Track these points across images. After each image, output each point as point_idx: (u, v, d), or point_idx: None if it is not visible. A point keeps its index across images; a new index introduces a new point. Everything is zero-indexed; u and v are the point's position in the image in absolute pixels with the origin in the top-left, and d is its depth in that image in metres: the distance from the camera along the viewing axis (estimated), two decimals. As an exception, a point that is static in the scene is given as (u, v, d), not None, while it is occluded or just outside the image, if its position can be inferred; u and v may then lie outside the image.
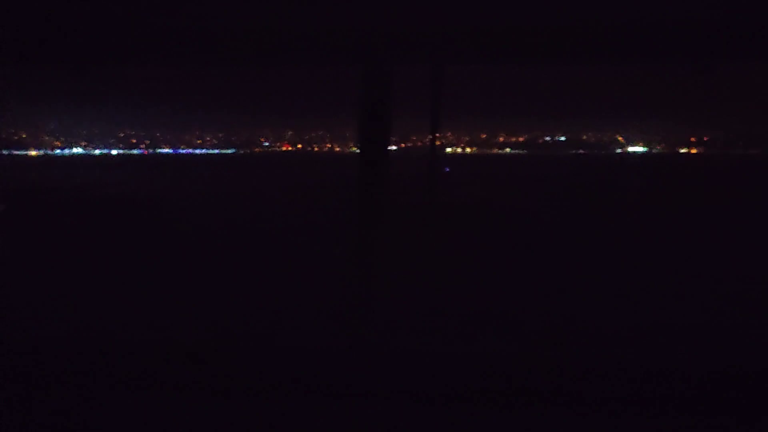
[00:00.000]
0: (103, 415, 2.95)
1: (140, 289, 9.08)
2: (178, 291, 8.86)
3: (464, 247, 12.26)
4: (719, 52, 3.04)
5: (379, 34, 3.05)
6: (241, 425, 2.93)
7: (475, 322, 7.06)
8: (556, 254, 12.70)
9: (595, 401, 2.97)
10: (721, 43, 2.97)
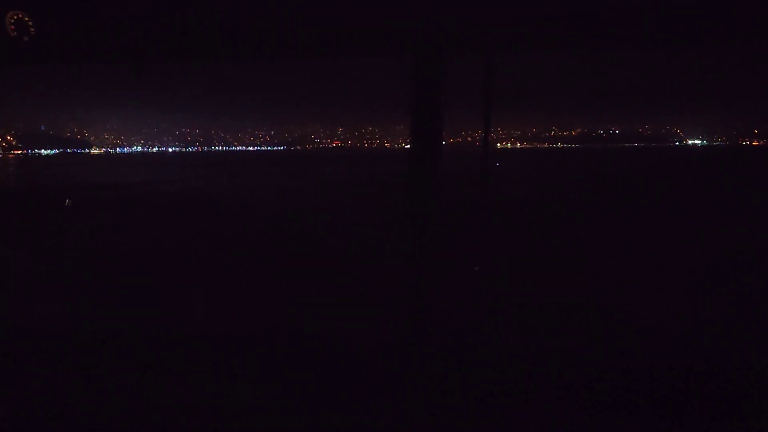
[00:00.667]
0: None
1: (207, 280, 9.36)
2: (244, 283, 9.10)
3: (517, 242, 12.10)
4: None
5: (432, 24, 3.02)
6: (300, 414, 2.96)
7: (530, 316, 6.95)
8: (618, 251, 12.39)
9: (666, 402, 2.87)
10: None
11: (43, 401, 3.13)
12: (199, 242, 14.21)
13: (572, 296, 8.29)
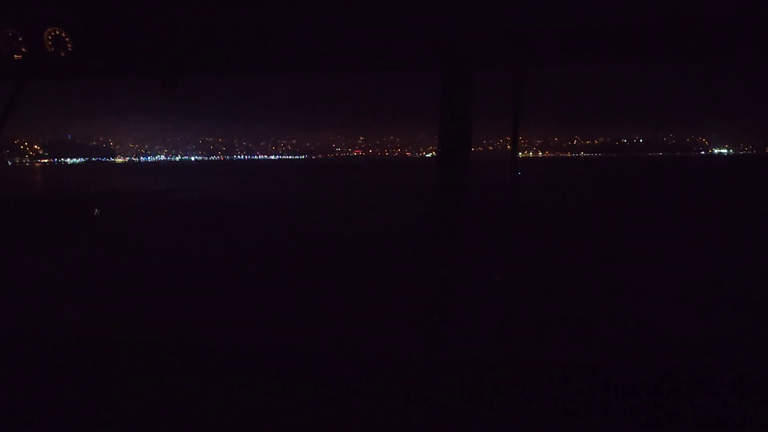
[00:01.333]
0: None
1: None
2: (266, 291, 9.17)
3: (541, 251, 12.02)
4: None
5: (461, 37, 3.03)
6: (318, 421, 2.97)
7: (559, 328, 6.90)
8: (644, 261, 12.24)
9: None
10: None
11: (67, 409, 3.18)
12: (228, 248, 14.35)
13: (596, 307, 8.21)
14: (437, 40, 3.03)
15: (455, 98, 3.31)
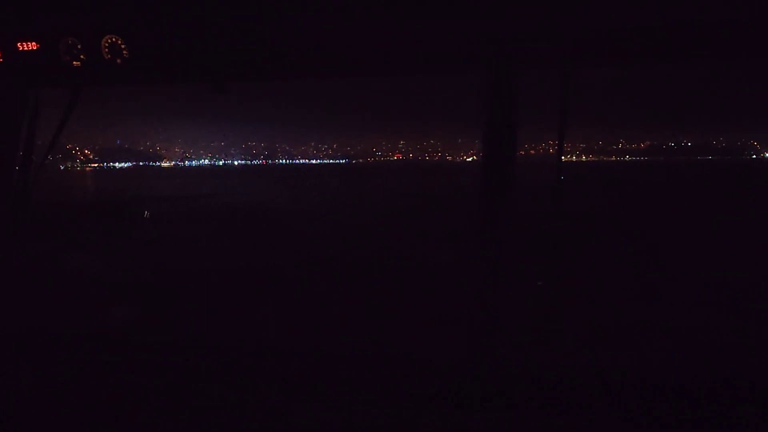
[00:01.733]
0: None
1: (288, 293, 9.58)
2: (311, 294, 9.27)
3: (586, 256, 11.82)
4: None
5: (506, 39, 3.02)
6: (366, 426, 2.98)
7: (606, 334, 6.78)
8: (692, 266, 11.92)
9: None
10: None
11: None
12: (276, 252, 14.56)
13: (641, 313, 8.03)
14: (482, 41, 3.02)
15: (500, 101, 3.30)
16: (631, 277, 10.86)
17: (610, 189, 38.47)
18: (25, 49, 3.45)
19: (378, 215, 25.02)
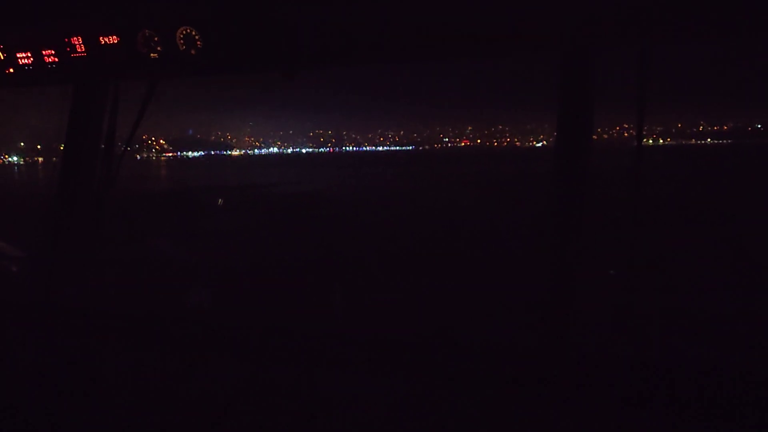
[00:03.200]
0: None
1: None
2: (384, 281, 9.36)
3: (665, 246, 11.34)
4: None
5: (581, 15, 2.88)
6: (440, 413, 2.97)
7: (682, 328, 6.52)
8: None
9: None
10: None
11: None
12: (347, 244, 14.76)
13: (721, 305, 7.68)
14: (555, 18, 2.89)
15: (575, 81, 3.17)
16: (709, 268, 10.36)
17: (693, 175, 36.80)
18: (107, 43, 3.58)
19: (455, 203, 24.86)
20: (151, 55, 3.50)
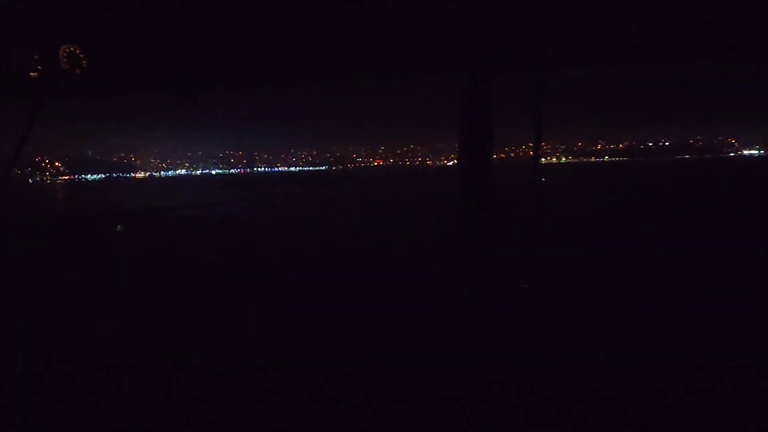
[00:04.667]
0: None
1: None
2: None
3: (571, 258, 11.80)
4: None
5: (481, 41, 2.94)
6: None
7: (585, 339, 6.74)
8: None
9: None
10: None
11: None
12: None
13: (631, 316, 8.03)
14: (456, 44, 2.94)
15: (475, 103, 3.22)
16: (616, 279, 10.89)
17: (594, 190, 38.85)
18: None
19: (364, 224, 24.94)
20: (31, 74, 3.25)
